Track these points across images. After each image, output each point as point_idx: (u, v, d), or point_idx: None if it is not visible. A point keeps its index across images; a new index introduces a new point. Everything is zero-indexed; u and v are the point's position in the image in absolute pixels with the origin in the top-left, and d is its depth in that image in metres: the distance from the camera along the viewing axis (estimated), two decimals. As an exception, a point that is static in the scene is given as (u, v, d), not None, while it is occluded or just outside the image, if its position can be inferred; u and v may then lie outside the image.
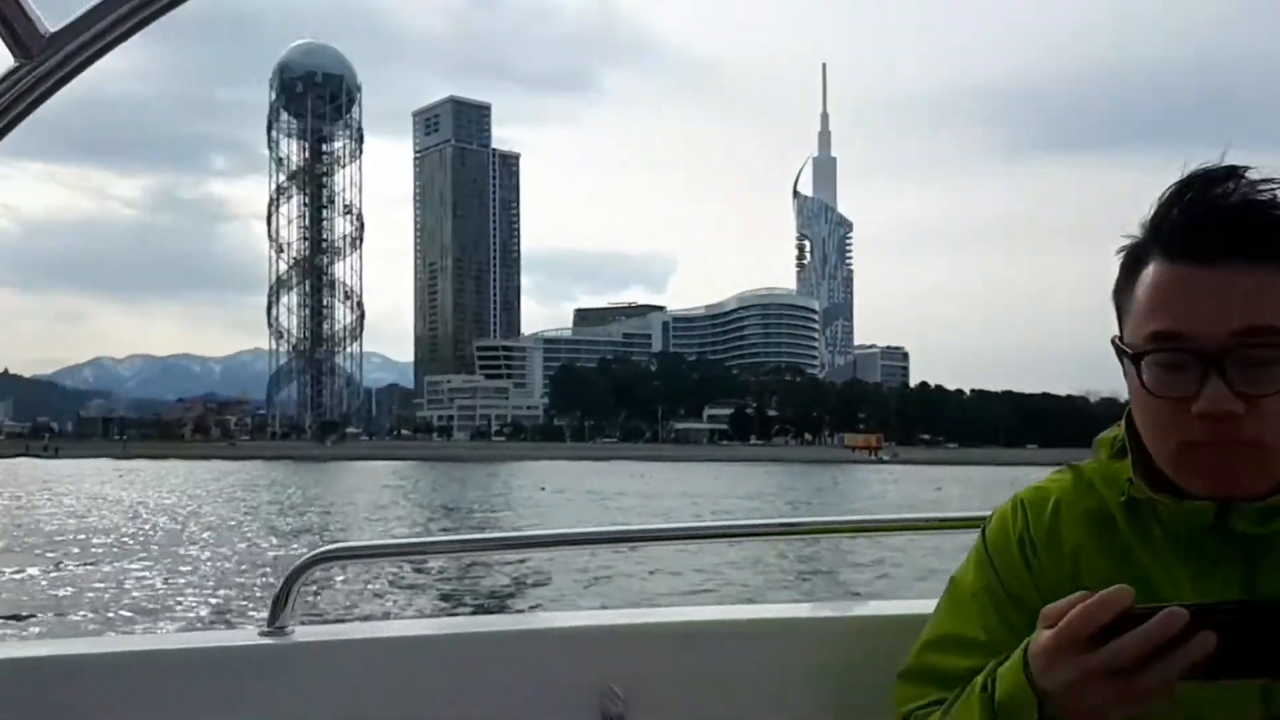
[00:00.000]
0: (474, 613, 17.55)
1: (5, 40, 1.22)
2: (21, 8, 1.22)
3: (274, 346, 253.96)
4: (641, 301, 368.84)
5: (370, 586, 19.64)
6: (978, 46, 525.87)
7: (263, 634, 1.94)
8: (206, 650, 1.94)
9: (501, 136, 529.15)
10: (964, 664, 1.32)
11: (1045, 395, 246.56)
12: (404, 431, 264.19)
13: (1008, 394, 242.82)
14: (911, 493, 73.23)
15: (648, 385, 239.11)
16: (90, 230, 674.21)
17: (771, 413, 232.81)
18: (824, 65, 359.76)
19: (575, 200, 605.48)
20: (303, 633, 1.96)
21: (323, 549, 2.10)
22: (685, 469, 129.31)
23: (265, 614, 1.92)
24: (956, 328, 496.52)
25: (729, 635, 2.04)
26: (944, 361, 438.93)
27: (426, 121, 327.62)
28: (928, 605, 1.57)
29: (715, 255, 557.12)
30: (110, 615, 18.95)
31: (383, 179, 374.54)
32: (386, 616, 17.07)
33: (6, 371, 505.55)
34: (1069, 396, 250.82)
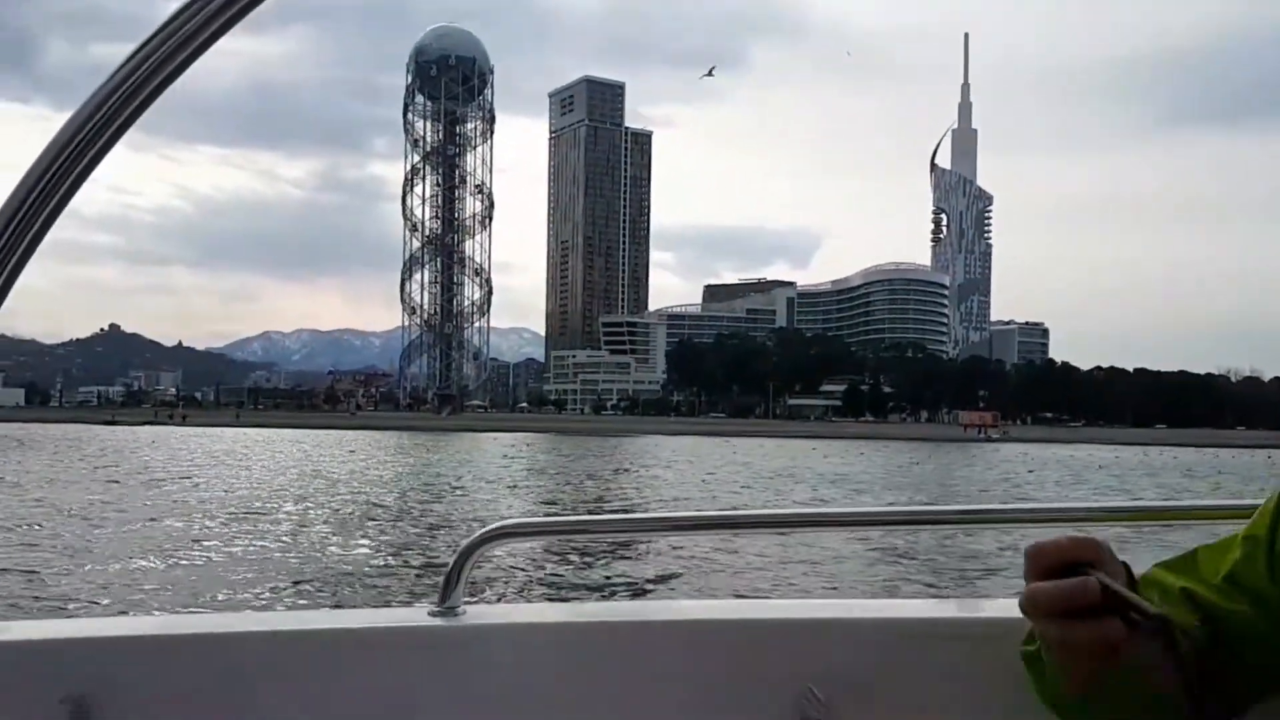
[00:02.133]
0: (633, 597, 16.65)
1: None
2: None
3: (406, 322, 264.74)
4: (784, 277, 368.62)
5: (515, 563, 18.44)
6: (1129, 13, 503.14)
7: (433, 614, 1.90)
8: (378, 630, 1.90)
9: (650, 115, 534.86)
10: (1179, 584, 1.23)
11: (1181, 373, 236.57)
12: (524, 405, 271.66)
13: (1141, 372, 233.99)
14: (979, 476, 70.93)
15: (764, 361, 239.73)
16: (261, 210, 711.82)
17: (887, 389, 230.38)
18: (965, 35, 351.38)
19: (722, 176, 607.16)
20: (473, 613, 1.92)
21: (495, 525, 2.01)
22: (775, 443, 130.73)
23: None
24: (1100, 304, 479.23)
25: (942, 633, 1.86)
26: (1085, 338, 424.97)
27: (562, 101, 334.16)
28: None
29: (859, 230, 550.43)
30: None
31: (530, 158, 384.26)
32: (553, 596, 16.68)
33: (180, 344, 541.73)
34: (1208, 375, 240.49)
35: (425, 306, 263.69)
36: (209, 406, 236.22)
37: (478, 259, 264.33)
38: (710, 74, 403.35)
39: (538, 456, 78.28)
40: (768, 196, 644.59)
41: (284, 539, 23.94)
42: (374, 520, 28.62)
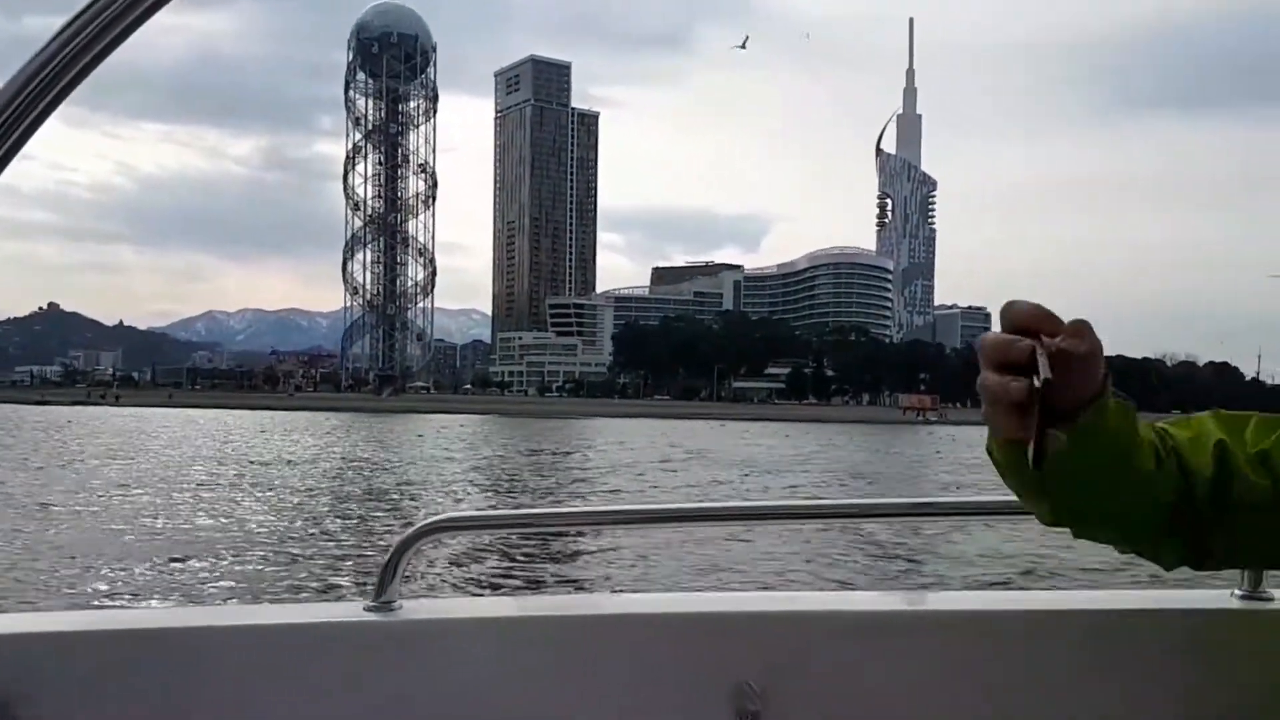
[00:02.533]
0: (574, 592, 16.21)
1: None
2: None
3: (348, 302, 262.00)
4: (734, 261, 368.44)
5: (451, 556, 17.85)
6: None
7: (369, 609, 1.88)
8: (312, 625, 1.87)
9: (601, 95, 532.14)
10: (1217, 435, 1.28)
11: (1119, 357, 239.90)
12: (468, 387, 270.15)
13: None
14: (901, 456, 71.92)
15: (709, 344, 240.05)
16: (205, 188, 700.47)
17: (829, 372, 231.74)
18: (910, 20, 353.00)
19: (673, 159, 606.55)
20: (410, 608, 1.89)
21: (432, 519, 1.98)
22: (709, 425, 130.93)
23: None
24: (1043, 288, 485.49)
25: (883, 626, 1.88)
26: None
27: (508, 81, 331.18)
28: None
29: (809, 215, 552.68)
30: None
31: (480, 137, 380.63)
32: (488, 590, 16.30)
33: (121, 323, 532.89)
34: (1144, 359, 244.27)
35: (368, 286, 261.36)
36: (145, 387, 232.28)
37: (421, 239, 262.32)
38: (743, 46, 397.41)
39: (475, 440, 77.59)
40: (718, 180, 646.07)
41: (205, 527, 23.11)
42: (300, 507, 27.83)
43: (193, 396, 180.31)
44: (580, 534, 19.28)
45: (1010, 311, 1.15)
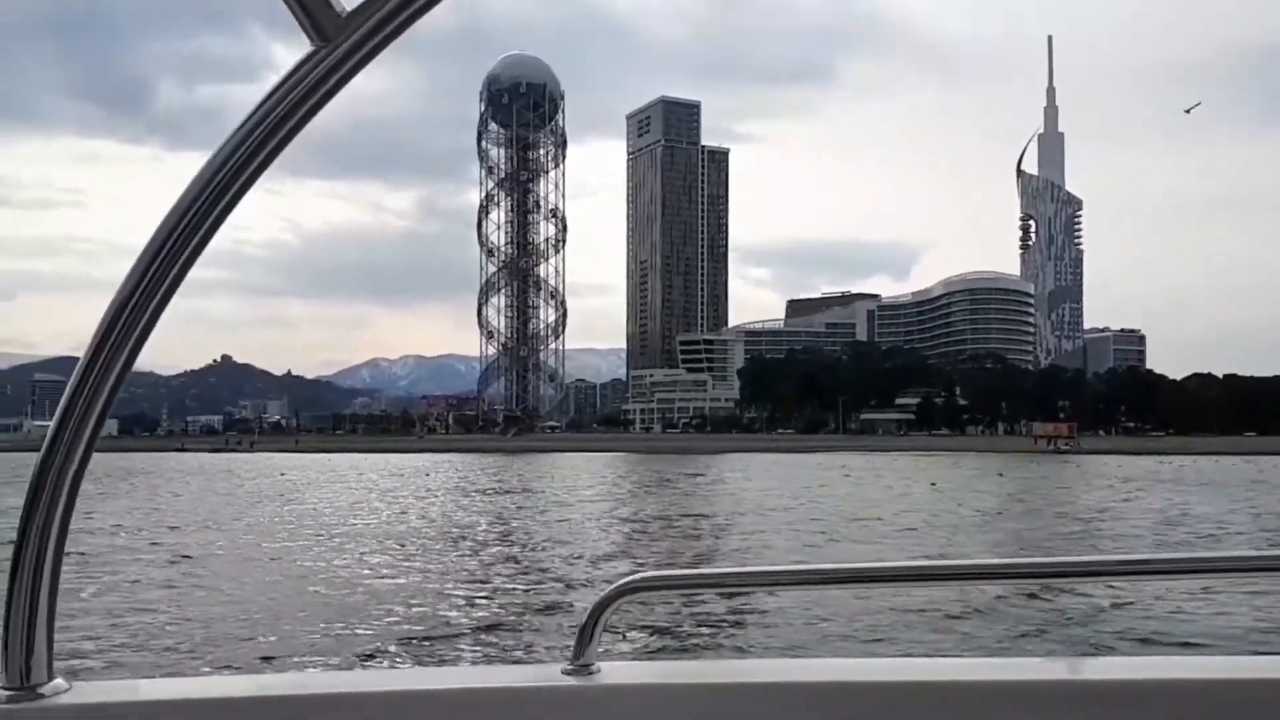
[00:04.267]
0: (770, 653, 15.93)
1: (302, 23, 1.25)
2: None
3: (484, 346, 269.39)
4: (884, 290, 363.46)
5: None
6: (1226, 5, 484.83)
7: (566, 672, 1.83)
8: (510, 690, 1.82)
9: (745, 132, 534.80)
10: None
11: (1276, 378, 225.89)
12: (596, 425, 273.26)
13: (1230, 378, 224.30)
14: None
15: (835, 375, 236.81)
16: (366, 240, 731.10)
17: (961, 402, 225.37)
18: (1049, 38, 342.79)
19: (817, 191, 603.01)
20: (609, 670, 1.84)
21: (633, 577, 1.93)
22: (818, 458, 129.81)
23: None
24: (1200, 307, 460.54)
25: (1071, 696, 1.83)
26: (1185, 343, 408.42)
27: (639, 123, 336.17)
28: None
29: (959, 240, 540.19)
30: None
31: (618, 180, 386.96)
32: (689, 651, 15.86)
33: (289, 373, 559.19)
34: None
35: (502, 330, 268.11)
36: (290, 432, 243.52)
37: (552, 282, 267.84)
38: (1190, 110, 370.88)
39: (589, 476, 79.55)
40: (865, 210, 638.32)
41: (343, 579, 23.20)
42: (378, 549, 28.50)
43: (325, 441, 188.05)
44: (772, 594, 18.19)
45: None
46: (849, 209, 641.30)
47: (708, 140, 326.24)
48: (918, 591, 17.97)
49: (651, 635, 16.25)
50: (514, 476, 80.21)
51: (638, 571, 2.05)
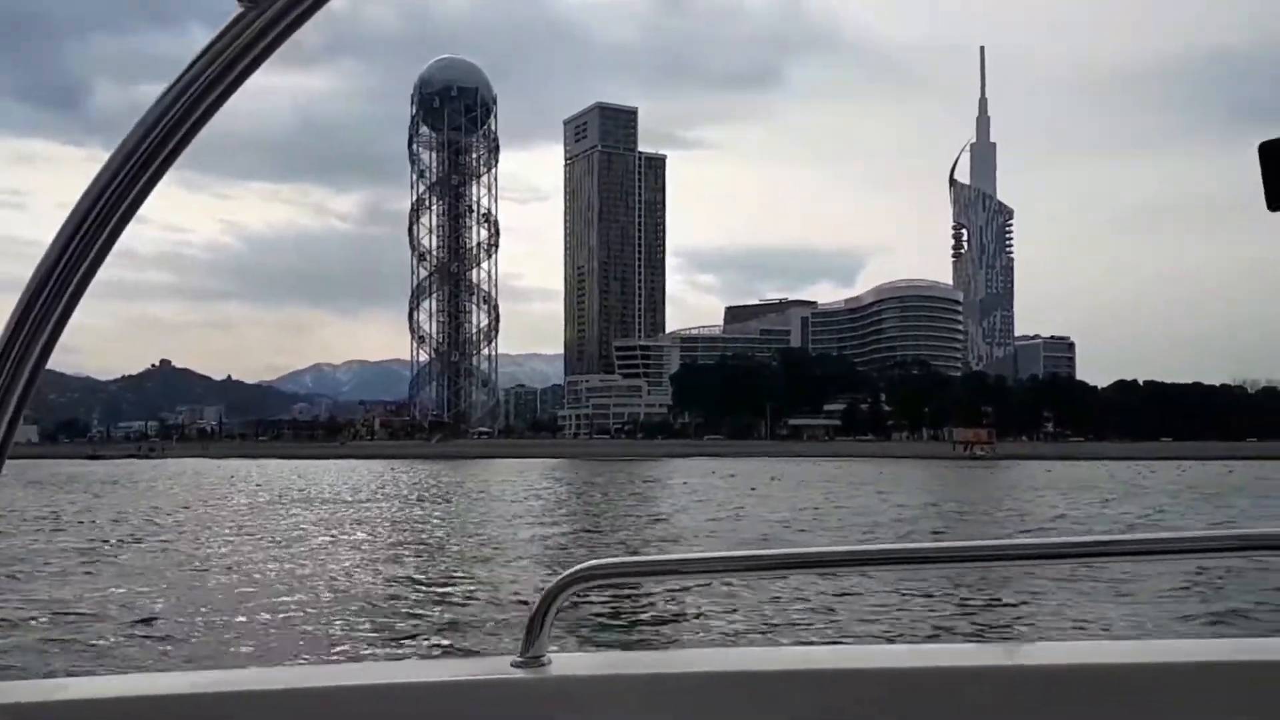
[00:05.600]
0: (744, 641, 15.96)
1: None
2: None
3: (415, 351, 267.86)
4: (829, 297, 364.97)
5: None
6: (1151, 18, 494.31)
7: (516, 664, 1.81)
8: (459, 684, 1.80)
9: (695, 137, 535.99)
10: None
11: (1196, 385, 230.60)
12: (527, 431, 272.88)
13: (1150, 384, 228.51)
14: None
15: (765, 381, 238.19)
16: (310, 244, 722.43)
17: (887, 408, 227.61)
18: (981, 49, 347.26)
19: (766, 196, 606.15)
20: (560, 663, 1.82)
21: (583, 565, 1.90)
22: (747, 463, 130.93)
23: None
24: (1124, 315, 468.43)
25: (968, 678, 1.86)
26: (1113, 350, 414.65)
27: (576, 128, 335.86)
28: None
29: (902, 247, 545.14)
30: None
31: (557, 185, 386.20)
32: (641, 643, 15.71)
33: (229, 377, 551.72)
34: (1223, 386, 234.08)
35: (434, 335, 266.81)
36: (216, 438, 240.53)
37: (485, 286, 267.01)
38: None
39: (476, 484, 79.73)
40: (812, 216, 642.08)
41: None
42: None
43: (243, 448, 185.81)
44: (728, 583, 18.16)
45: None
46: (797, 215, 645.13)
47: (656, 146, 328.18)
48: (873, 575, 17.62)
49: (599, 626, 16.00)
50: (408, 482, 79.93)
51: (589, 559, 2.08)
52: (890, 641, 14.06)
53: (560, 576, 1.86)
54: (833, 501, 53.37)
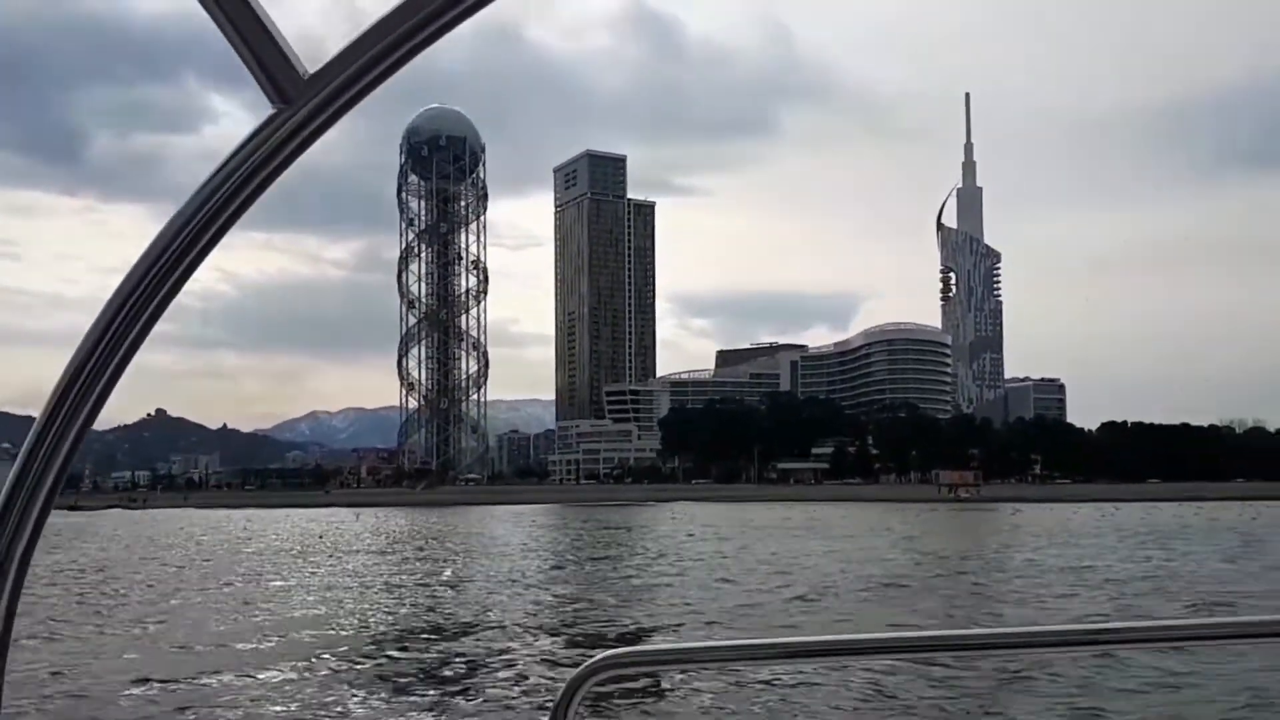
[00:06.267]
0: None
1: (264, 86, 1.22)
2: (280, 51, 1.22)
3: (404, 398, 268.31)
4: (823, 340, 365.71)
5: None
6: (1144, 65, 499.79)
7: None
8: None
9: (688, 184, 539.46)
10: None
11: (1184, 426, 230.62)
12: (514, 478, 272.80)
13: (1137, 425, 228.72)
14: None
15: (753, 425, 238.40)
16: (305, 291, 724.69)
17: (874, 451, 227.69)
18: (966, 95, 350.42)
19: (759, 241, 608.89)
20: None
21: (611, 652, 1.84)
22: (734, 509, 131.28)
23: None
24: (1113, 357, 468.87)
25: None
26: (1103, 391, 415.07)
27: (566, 176, 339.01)
28: None
29: (896, 290, 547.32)
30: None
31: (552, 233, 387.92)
32: None
33: (225, 426, 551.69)
34: (1211, 426, 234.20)
35: (423, 381, 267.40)
36: (205, 487, 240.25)
37: (474, 333, 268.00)
38: None
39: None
40: (806, 260, 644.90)
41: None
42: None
43: (224, 497, 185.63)
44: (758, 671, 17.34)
45: None
46: (791, 260, 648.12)
47: (649, 192, 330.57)
48: (918, 661, 16.87)
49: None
50: (370, 529, 79.89)
51: (616, 647, 2.06)
52: None
53: (587, 663, 1.82)
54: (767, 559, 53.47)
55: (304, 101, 1.23)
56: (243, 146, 1.25)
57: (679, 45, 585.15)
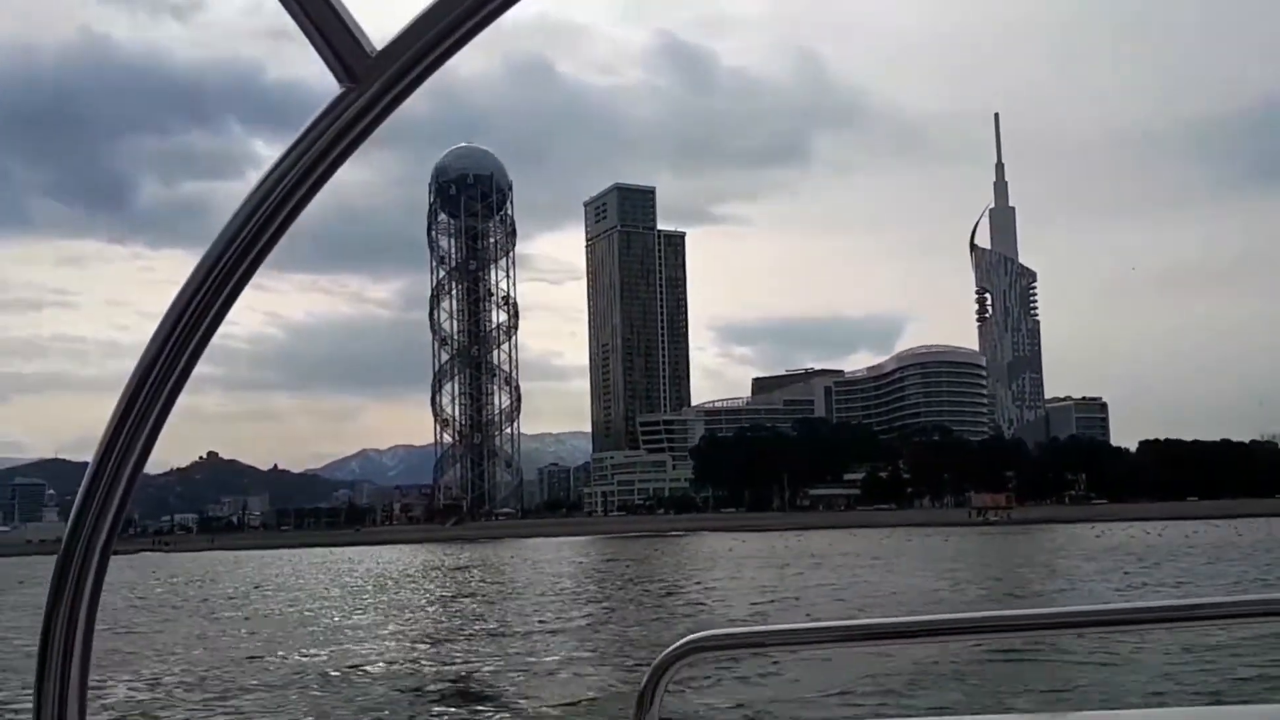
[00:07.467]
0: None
1: (330, 64, 1.20)
2: (346, 27, 1.19)
3: (439, 434, 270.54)
4: (865, 365, 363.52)
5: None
6: (1170, 80, 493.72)
7: None
8: None
9: (726, 213, 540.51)
10: None
11: (1224, 442, 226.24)
12: (546, 511, 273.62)
13: (1172, 443, 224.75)
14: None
15: (785, 452, 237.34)
16: (352, 332, 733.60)
17: (906, 475, 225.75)
18: (996, 115, 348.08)
19: (797, 267, 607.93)
20: None
21: (694, 635, 1.83)
22: (760, 538, 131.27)
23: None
24: (1153, 374, 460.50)
25: None
26: (1147, 409, 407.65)
27: (596, 209, 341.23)
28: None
29: (935, 313, 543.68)
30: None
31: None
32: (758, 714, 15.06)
33: (275, 467, 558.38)
34: (1253, 442, 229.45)
35: (456, 417, 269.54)
36: (244, 529, 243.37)
37: (505, 368, 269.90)
38: None
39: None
40: (848, 285, 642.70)
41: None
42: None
43: (247, 538, 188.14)
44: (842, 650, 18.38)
45: None
46: (829, 285, 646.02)
47: (685, 221, 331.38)
48: (992, 640, 16.73)
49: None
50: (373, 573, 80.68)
51: (702, 629, 1.96)
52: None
53: (673, 646, 1.78)
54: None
55: (372, 80, 1.20)
56: (312, 128, 1.22)
57: (711, 76, 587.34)
